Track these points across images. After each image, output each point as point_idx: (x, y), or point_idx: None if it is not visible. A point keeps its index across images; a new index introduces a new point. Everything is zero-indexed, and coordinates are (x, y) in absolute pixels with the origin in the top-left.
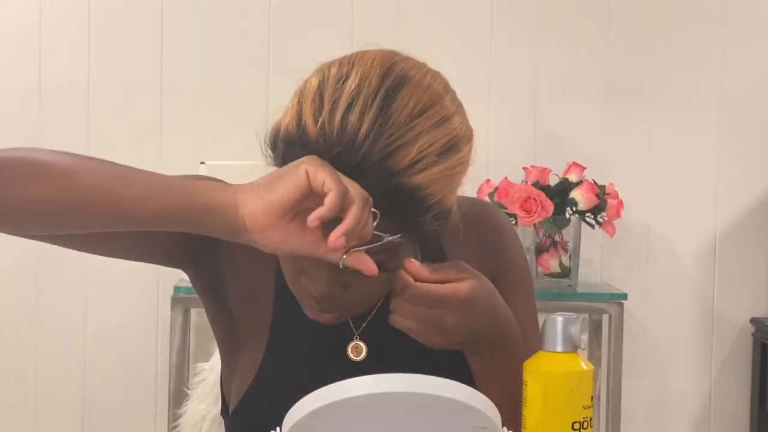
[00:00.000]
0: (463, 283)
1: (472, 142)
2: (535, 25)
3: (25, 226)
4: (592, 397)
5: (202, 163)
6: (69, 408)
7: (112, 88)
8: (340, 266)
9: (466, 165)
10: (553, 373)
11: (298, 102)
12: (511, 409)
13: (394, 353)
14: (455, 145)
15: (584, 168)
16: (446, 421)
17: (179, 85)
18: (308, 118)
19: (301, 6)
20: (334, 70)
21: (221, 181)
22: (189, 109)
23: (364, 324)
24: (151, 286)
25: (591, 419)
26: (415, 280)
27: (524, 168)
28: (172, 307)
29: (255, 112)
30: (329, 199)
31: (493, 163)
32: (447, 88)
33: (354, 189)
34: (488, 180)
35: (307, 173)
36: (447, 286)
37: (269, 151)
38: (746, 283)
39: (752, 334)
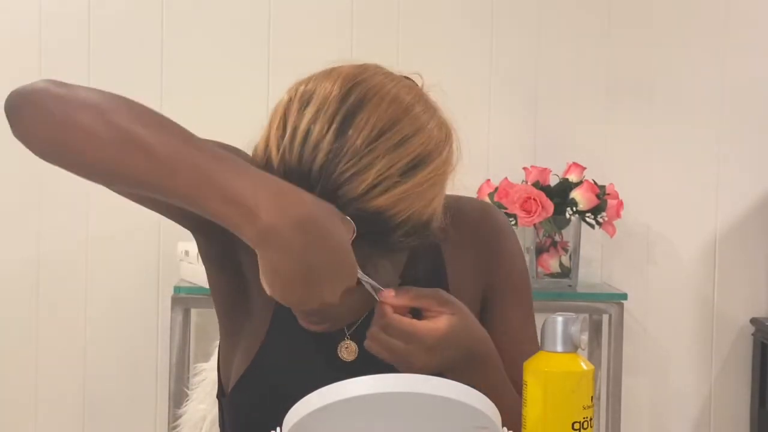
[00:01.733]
0: (440, 321)
1: (451, 143)
2: (535, 25)
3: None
4: (592, 397)
5: None
6: (69, 408)
7: (112, 88)
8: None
9: (443, 173)
10: (553, 373)
11: (269, 125)
12: None
13: None
14: (421, 162)
15: (584, 168)
16: (446, 421)
17: (179, 85)
18: (272, 145)
19: (301, 6)
20: (298, 95)
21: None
22: (189, 109)
23: (355, 325)
24: (151, 286)
25: (591, 419)
26: (393, 308)
27: (524, 168)
28: (172, 307)
29: (255, 112)
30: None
31: (493, 163)
32: (418, 97)
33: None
34: (488, 180)
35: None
36: (423, 325)
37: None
38: (746, 283)
39: (752, 334)
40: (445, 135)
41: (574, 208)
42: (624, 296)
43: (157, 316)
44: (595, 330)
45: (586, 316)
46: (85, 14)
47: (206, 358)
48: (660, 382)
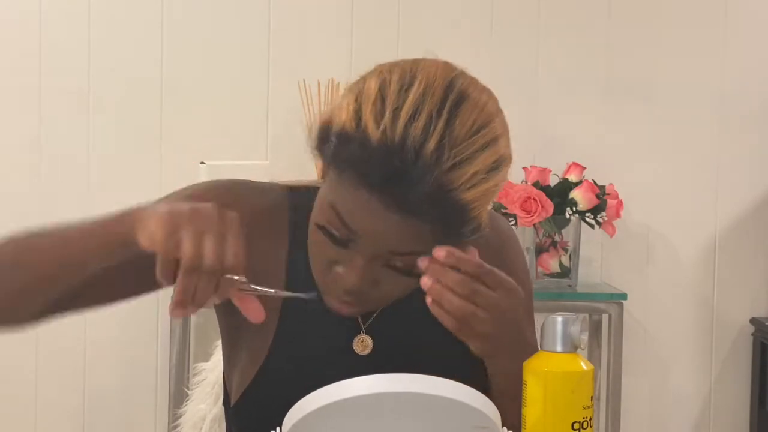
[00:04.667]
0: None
1: (509, 167)
2: (535, 25)
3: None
4: (592, 397)
5: (202, 163)
6: (69, 408)
7: (113, 88)
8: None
9: (506, 178)
10: (553, 373)
11: (356, 101)
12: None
13: (400, 348)
14: (502, 163)
15: (584, 168)
16: (446, 421)
17: (179, 85)
18: (368, 120)
19: (301, 7)
20: (395, 76)
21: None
22: (189, 109)
23: (370, 319)
24: None
25: (591, 419)
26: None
27: (524, 168)
28: None
29: (255, 112)
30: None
31: None
32: (498, 110)
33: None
34: None
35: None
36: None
37: (317, 144)
38: (746, 283)
39: (752, 334)
40: (511, 153)
41: (574, 208)
42: (624, 296)
43: (157, 316)
44: (595, 330)
45: (586, 316)
46: (85, 14)
47: (206, 358)
48: (660, 382)
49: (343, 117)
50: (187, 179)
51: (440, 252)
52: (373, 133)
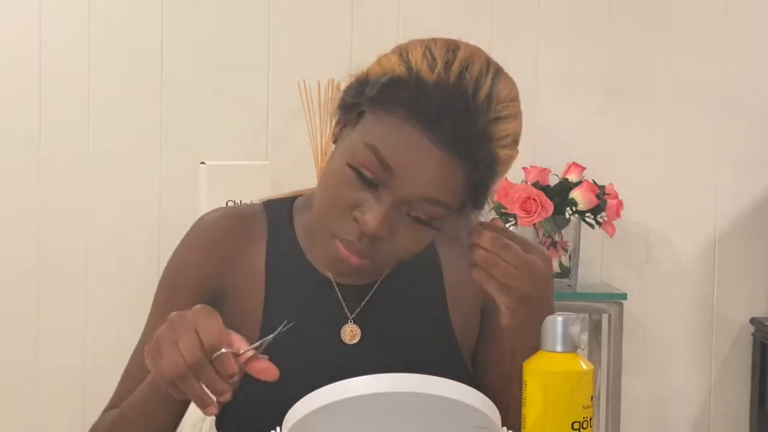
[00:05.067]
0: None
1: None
2: (535, 25)
3: None
4: (592, 396)
5: (203, 163)
6: (69, 407)
7: (112, 88)
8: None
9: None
10: (553, 373)
11: (400, 56)
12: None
13: (388, 338)
14: (518, 141)
15: (584, 168)
16: (446, 421)
17: (179, 85)
18: (421, 66)
19: (301, 7)
20: (439, 43)
21: None
22: (189, 109)
23: (358, 308)
24: (151, 286)
25: (591, 419)
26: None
27: (524, 168)
28: None
29: (255, 112)
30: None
31: None
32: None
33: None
34: None
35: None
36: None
37: (353, 94)
38: (746, 283)
39: (752, 334)
40: None
41: (574, 208)
42: (624, 296)
43: None
44: (595, 330)
45: (586, 316)
46: (85, 14)
47: None
48: (660, 381)
49: (389, 66)
50: (187, 179)
51: (497, 222)
52: (428, 75)
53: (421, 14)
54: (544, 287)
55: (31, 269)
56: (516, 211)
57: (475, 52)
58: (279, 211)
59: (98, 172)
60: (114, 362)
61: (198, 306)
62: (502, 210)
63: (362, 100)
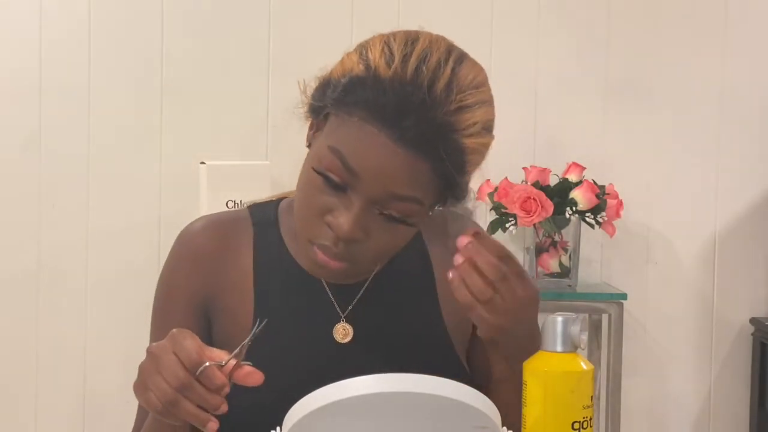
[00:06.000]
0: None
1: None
2: (535, 25)
3: None
4: (591, 396)
5: (203, 163)
6: (69, 408)
7: (112, 88)
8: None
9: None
10: (553, 373)
11: (360, 54)
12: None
13: (381, 337)
14: (491, 127)
15: (584, 168)
16: (446, 421)
17: (179, 85)
18: (378, 63)
19: (301, 6)
20: (398, 36)
21: None
22: (189, 109)
23: (350, 307)
24: (151, 286)
25: (591, 419)
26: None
27: (524, 168)
28: None
29: (255, 112)
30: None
31: (493, 162)
32: (487, 80)
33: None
34: (488, 180)
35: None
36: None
37: (316, 96)
38: (746, 283)
39: (752, 334)
40: None
41: (574, 208)
42: (624, 296)
43: None
44: (595, 330)
45: (586, 315)
46: (85, 14)
47: None
48: (659, 381)
49: (349, 66)
50: (187, 179)
51: (476, 229)
52: (385, 72)
53: (421, 14)
54: (521, 315)
55: (31, 269)
56: (516, 211)
57: (434, 41)
58: (264, 215)
59: (98, 172)
60: (114, 362)
61: (173, 330)
62: (502, 210)
63: (326, 102)
